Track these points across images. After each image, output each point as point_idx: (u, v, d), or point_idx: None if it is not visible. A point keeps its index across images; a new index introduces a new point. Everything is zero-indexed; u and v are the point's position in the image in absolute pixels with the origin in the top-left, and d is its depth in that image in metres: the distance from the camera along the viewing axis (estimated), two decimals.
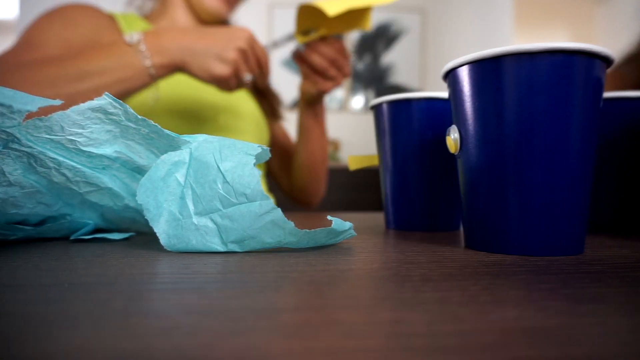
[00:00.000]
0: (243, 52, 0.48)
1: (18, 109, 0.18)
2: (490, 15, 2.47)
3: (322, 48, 0.54)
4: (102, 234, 0.25)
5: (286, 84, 2.26)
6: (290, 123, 2.22)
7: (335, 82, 0.59)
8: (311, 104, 0.64)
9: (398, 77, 2.42)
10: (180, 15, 0.66)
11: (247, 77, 0.49)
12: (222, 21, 0.68)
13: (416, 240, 0.26)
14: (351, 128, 2.41)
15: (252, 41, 0.48)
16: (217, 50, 0.46)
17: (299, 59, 0.56)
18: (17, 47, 0.51)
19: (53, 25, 0.54)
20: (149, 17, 0.67)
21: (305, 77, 0.59)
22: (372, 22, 2.42)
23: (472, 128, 0.22)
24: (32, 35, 0.53)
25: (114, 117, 0.21)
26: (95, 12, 0.60)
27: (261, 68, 0.51)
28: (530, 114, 0.20)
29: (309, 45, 0.55)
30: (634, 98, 0.30)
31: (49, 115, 0.19)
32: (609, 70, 0.90)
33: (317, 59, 0.55)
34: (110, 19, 0.61)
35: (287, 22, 2.36)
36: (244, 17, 2.25)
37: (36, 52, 0.51)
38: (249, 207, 0.20)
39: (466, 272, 0.16)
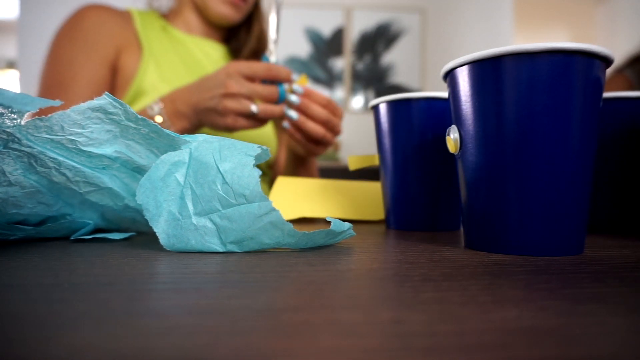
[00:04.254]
0: (232, 95, 0.45)
1: (18, 109, 0.18)
2: (490, 15, 2.47)
3: (316, 110, 0.49)
4: (102, 234, 0.25)
5: None
6: None
7: (328, 145, 0.54)
8: (300, 158, 0.61)
9: (398, 77, 2.42)
10: (191, 17, 0.67)
11: (253, 108, 0.46)
12: (232, 25, 0.68)
13: (416, 240, 0.26)
14: (351, 128, 2.41)
15: (238, 74, 0.45)
16: (212, 104, 0.45)
17: (293, 128, 0.50)
18: (50, 88, 0.55)
19: (76, 51, 0.57)
20: (167, 15, 0.69)
21: (297, 142, 0.53)
22: (372, 23, 2.42)
23: (472, 128, 0.22)
24: (59, 71, 0.56)
25: (114, 117, 0.21)
26: (110, 15, 0.61)
27: (279, 80, 0.47)
28: (530, 114, 0.20)
29: (299, 109, 0.48)
30: (634, 98, 0.30)
31: (49, 115, 0.19)
32: (612, 74, 0.90)
33: (313, 127, 0.49)
34: (125, 17, 0.63)
35: (287, 22, 2.36)
36: None
37: (68, 92, 0.55)
38: (247, 208, 0.20)
39: (466, 272, 0.16)
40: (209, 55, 0.68)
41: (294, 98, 0.48)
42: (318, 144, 0.53)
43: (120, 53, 0.60)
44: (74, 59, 0.56)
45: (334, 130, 0.52)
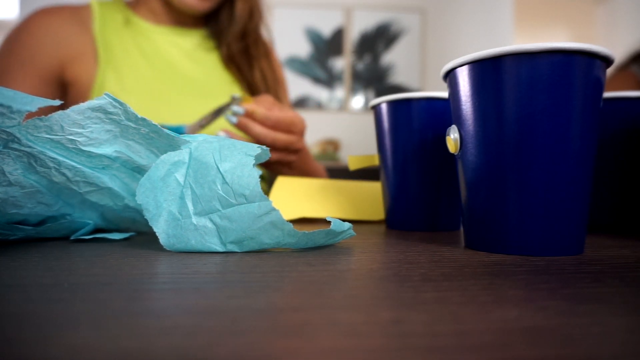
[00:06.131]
0: None
1: (18, 109, 0.18)
2: (490, 15, 2.47)
3: (255, 129, 0.45)
4: (102, 234, 0.25)
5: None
6: None
7: (285, 164, 0.50)
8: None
9: (398, 77, 2.42)
10: (157, 5, 0.62)
11: None
12: (202, 15, 0.63)
13: (416, 240, 0.26)
14: (351, 128, 2.41)
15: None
16: None
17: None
18: None
19: (12, 64, 0.54)
20: (132, 4, 0.64)
21: None
22: (372, 23, 2.42)
23: (472, 128, 0.22)
24: None
25: (114, 117, 0.21)
26: (60, 21, 0.57)
27: None
28: (530, 114, 0.20)
29: (240, 128, 0.46)
30: (634, 98, 0.30)
31: (49, 115, 0.19)
32: (617, 71, 0.89)
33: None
34: (82, 18, 0.59)
35: (287, 22, 2.36)
36: None
37: None
38: (247, 208, 0.20)
39: (466, 272, 0.16)
40: (180, 47, 0.63)
41: (232, 119, 0.46)
42: (268, 164, 0.49)
43: (69, 64, 0.57)
44: (8, 73, 0.54)
45: (289, 149, 0.48)
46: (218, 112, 0.47)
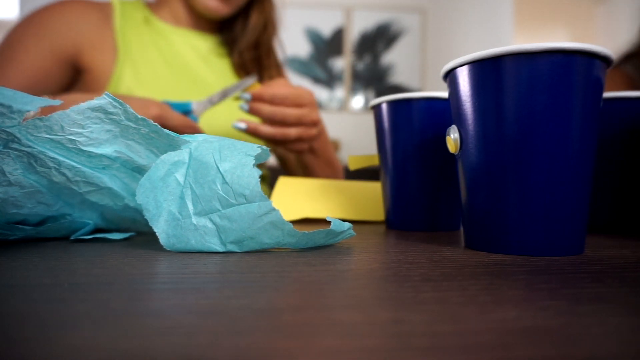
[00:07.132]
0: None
1: (18, 108, 0.18)
2: (490, 15, 2.47)
3: (265, 111, 0.46)
4: (102, 234, 0.25)
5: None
6: None
7: (302, 141, 0.50)
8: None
9: (398, 77, 2.42)
10: (178, 7, 0.64)
11: None
12: (221, 19, 0.65)
13: (416, 240, 0.26)
14: (351, 128, 2.41)
15: (160, 120, 0.43)
16: None
17: (252, 134, 0.48)
18: None
19: (25, 36, 0.54)
20: (152, 5, 0.66)
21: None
22: (372, 23, 2.42)
23: (472, 128, 0.22)
24: (2, 51, 0.54)
25: (114, 117, 0.21)
26: (82, 11, 0.58)
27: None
28: (530, 114, 0.20)
29: (253, 114, 0.46)
30: (634, 98, 0.30)
31: (49, 115, 0.19)
32: (608, 70, 0.89)
33: (265, 131, 0.47)
34: (104, 13, 0.60)
35: (287, 22, 2.36)
36: None
37: (2, 72, 0.53)
38: (247, 208, 0.20)
39: (466, 272, 0.16)
40: (197, 49, 0.65)
41: (245, 107, 0.46)
42: (285, 142, 0.50)
43: (85, 50, 0.58)
44: (20, 42, 0.54)
45: (302, 123, 0.48)
46: (226, 92, 0.49)
